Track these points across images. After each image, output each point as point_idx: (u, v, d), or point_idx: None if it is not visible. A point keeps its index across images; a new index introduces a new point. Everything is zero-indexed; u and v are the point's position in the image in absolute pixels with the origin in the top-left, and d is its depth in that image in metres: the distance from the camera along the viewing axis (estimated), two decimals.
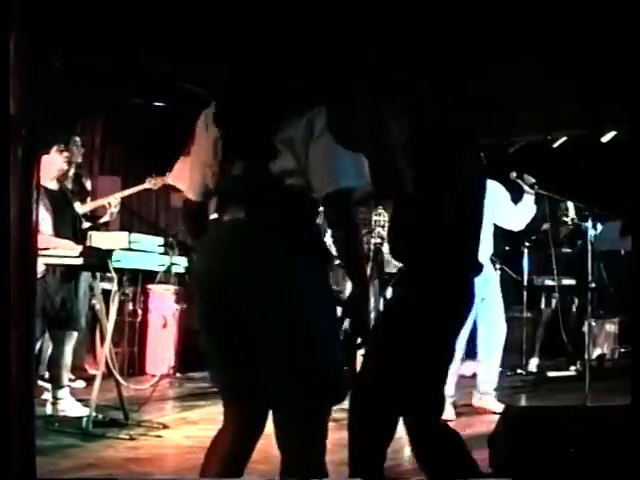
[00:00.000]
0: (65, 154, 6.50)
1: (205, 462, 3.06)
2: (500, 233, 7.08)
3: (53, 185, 6.55)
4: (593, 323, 9.53)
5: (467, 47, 7.62)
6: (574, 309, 9.35)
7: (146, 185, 7.64)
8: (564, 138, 10.29)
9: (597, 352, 9.71)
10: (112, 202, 7.11)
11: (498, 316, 6.91)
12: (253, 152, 2.89)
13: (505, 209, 6.63)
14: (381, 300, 9.35)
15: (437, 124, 3.58)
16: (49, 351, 6.50)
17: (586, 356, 7.13)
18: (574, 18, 7.54)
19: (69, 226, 6.55)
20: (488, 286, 6.46)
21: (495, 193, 6.18)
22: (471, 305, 3.66)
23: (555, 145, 10.36)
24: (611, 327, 9.80)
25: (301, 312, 2.83)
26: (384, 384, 3.52)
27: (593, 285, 7.11)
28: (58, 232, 6.40)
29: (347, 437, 3.57)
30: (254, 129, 2.89)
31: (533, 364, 9.44)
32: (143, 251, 6.05)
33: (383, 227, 9.11)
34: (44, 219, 6.28)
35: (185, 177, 3.21)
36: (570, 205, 9.19)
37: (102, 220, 7.20)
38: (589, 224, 7.12)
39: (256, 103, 2.91)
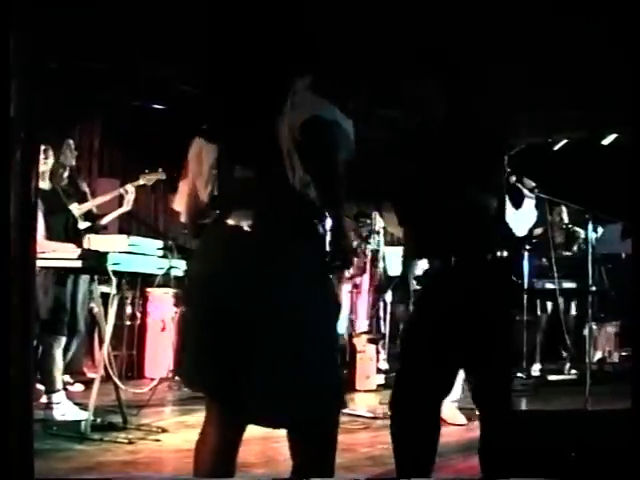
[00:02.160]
0: (47, 153, 6.47)
1: (195, 463, 3.04)
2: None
3: (45, 185, 6.53)
4: (594, 326, 9.51)
5: (467, 48, 7.65)
6: (575, 312, 9.33)
7: (140, 182, 7.55)
8: (565, 141, 10.25)
9: (598, 355, 9.73)
10: (129, 190, 7.05)
11: None
12: (252, 161, 2.90)
13: (508, 214, 6.62)
14: (383, 303, 9.37)
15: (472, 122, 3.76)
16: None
17: (587, 360, 7.07)
18: (575, 20, 7.54)
19: (61, 227, 6.52)
20: None
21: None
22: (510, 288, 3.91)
23: (556, 148, 10.34)
24: (612, 330, 9.80)
25: (299, 322, 2.82)
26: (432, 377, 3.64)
27: (594, 288, 7.06)
28: (50, 233, 6.37)
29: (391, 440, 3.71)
30: (252, 138, 2.91)
31: (535, 369, 9.48)
32: (142, 254, 6.01)
33: (378, 233, 9.15)
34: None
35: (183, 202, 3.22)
36: (563, 209, 9.21)
37: (121, 211, 7.15)
38: (590, 227, 7.07)
39: (251, 112, 2.93)
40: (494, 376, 3.70)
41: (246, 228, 2.86)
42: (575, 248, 9.12)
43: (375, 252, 8.89)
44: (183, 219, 3.18)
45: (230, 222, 2.91)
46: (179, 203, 3.16)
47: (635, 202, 3.42)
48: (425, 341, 3.67)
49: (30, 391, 2.91)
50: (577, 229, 9.38)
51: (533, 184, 6.95)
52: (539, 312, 9.43)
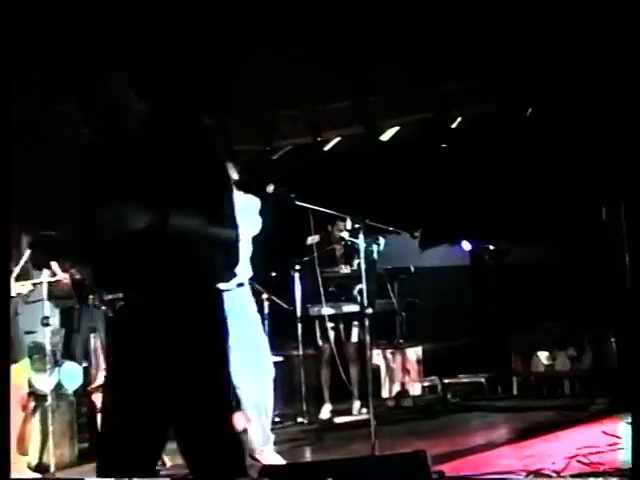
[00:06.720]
0: None
1: None
2: (264, 256, 6.00)
3: None
4: (389, 355, 8.26)
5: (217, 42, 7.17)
6: (357, 340, 7.84)
7: None
8: (337, 139, 8.91)
9: (395, 388, 8.36)
10: None
11: (263, 359, 5.84)
12: None
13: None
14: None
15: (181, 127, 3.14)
16: None
17: (370, 397, 5.75)
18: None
19: None
20: (246, 323, 5.63)
21: (252, 207, 5.76)
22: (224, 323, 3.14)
23: (326, 148, 8.98)
24: (412, 357, 8.45)
25: None
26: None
27: (370, 311, 5.76)
28: None
29: None
30: None
31: (326, 410, 7.99)
32: None
33: None
34: None
35: None
36: (348, 218, 7.81)
37: None
38: (361, 239, 5.82)
39: None
40: (205, 431, 3.01)
41: None
42: (356, 263, 7.76)
43: None
44: None
45: None
46: None
47: (635, 200, 3.52)
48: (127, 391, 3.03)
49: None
50: (357, 242, 8.02)
51: (292, 195, 5.85)
52: (321, 343, 7.95)
